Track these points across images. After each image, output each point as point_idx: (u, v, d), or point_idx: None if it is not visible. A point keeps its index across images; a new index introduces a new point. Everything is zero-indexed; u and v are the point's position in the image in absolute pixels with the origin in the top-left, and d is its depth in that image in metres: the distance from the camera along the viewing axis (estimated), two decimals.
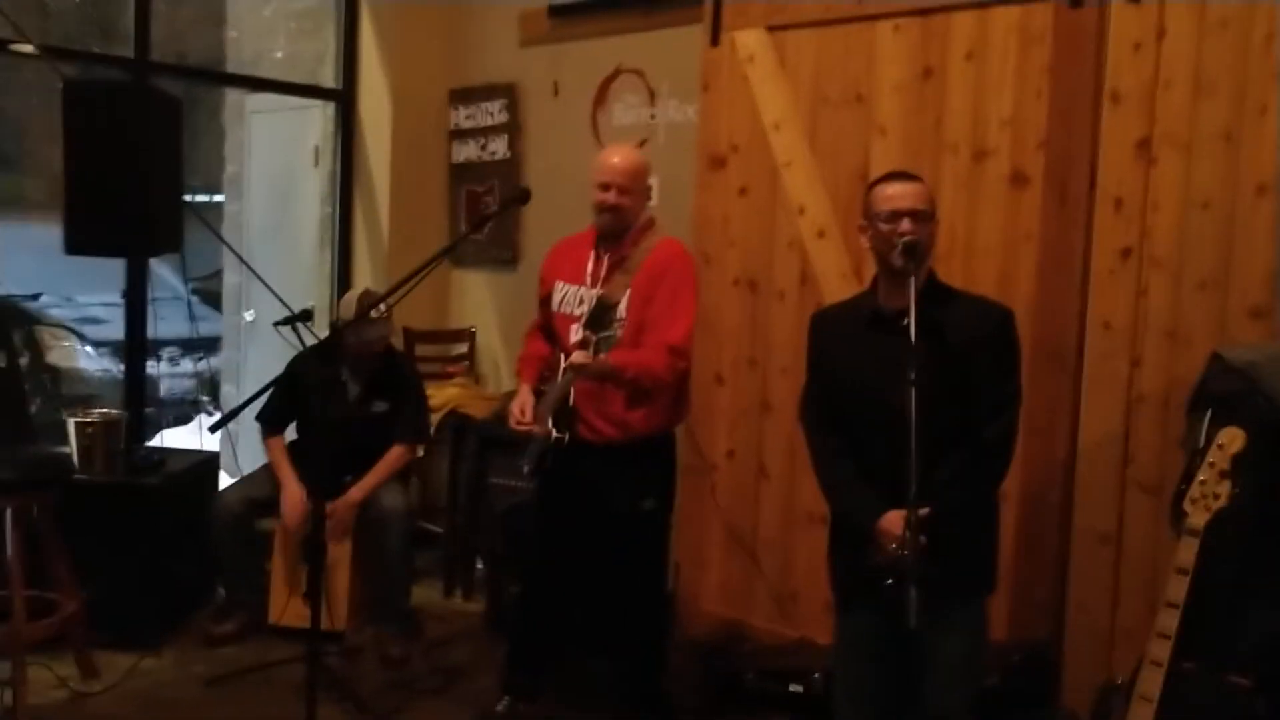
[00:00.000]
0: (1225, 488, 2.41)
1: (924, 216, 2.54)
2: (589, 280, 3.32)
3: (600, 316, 3.24)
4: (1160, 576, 2.86)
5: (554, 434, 3.22)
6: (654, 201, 4.57)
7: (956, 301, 2.64)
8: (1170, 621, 2.42)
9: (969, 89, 3.49)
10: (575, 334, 3.29)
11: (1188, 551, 2.42)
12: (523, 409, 3.33)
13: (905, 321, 2.43)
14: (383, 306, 3.89)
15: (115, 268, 4.57)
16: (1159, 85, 3.14)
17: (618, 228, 3.29)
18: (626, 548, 3.34)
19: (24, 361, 7.34)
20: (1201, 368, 2.90)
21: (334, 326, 3.10)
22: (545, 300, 3.46)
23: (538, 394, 3.35)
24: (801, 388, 2.89)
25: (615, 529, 3.32)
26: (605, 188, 3.25)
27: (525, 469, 3.36)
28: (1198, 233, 3.08)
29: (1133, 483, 3.20)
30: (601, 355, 3.00)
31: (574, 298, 3.34)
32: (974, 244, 3.49)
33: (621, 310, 3.24)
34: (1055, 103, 3.32)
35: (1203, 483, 2.43)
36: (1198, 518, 2.43)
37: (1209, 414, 2.75)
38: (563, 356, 3.28)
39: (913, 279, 2.45)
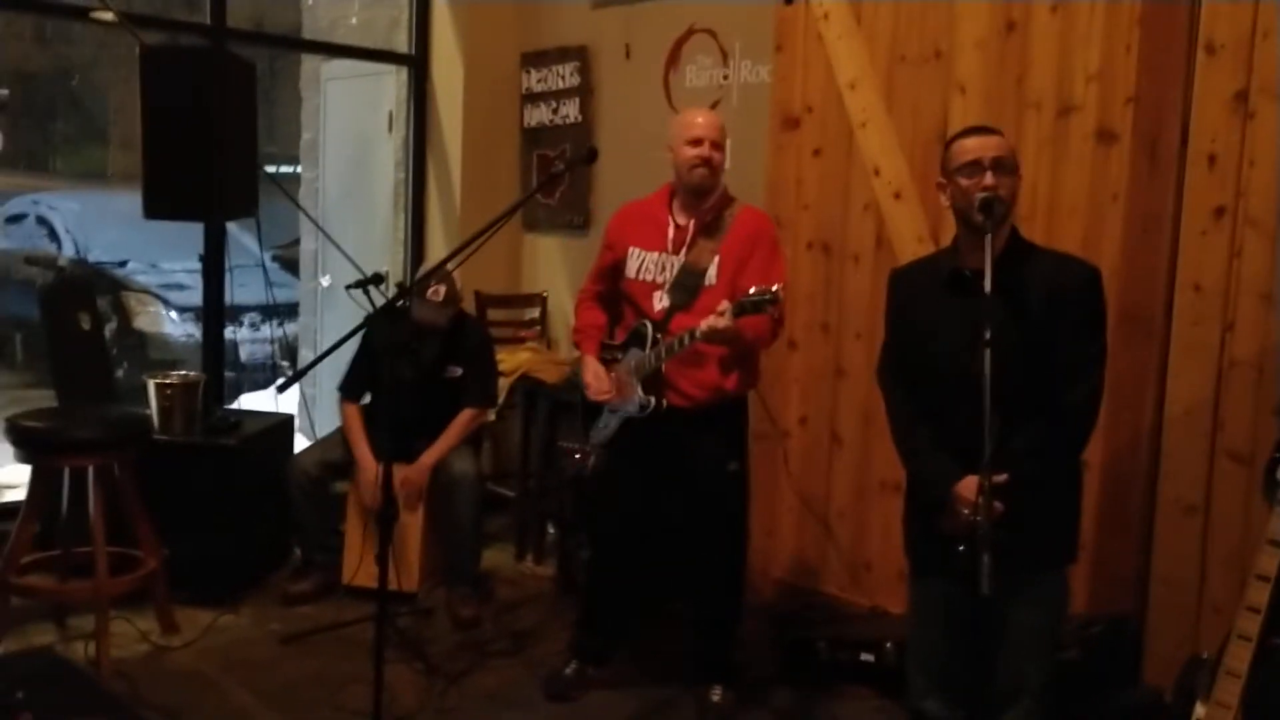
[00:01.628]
0: None
1: (1005, 168, 2.45)
2: (670, 246, 3.26)
3: (686, 283, 3.20)
4: (1249, 549, 2.76)
5: (649, 401, 3.19)
6: (727, 164, 4.50)
7: (1041, 259, 2.55)
8: (1261, 595, 2.32)
9: (1054, 43, 3.36)
10: (660, 300, 3.23)
11: None
12: (599, 377, 3.30)
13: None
14: (440, 289, 3.88)
15: (198, 235, 4.63)
16: (1257, 35, 2.99)
17: (710, 185, 3.22)
18: (713, 511, 3.30)
19: (112, 327, 7.52)
20: None
21: (401, 287, 3.10)
22: (612, 267, 3.39)
23: (605, 363, 3.33)
24: (880, 348, 2.82)
25: (701, 492, 3.28)
26: (698, 142, 3.18)
27: (599, 439, 3.34)
28: None
29: (1222, 451, 3.08)
30: (726, 319, 2.95)
31: (654, 264, 3.27)
32: (1058, 204, 3.37)
33: (710, 278, 3.19)
34: (1146, 55, 3.18)
35: None
36: None
37: None
38: (649, 324, 3.22)
39: (989, 237, 2.36)
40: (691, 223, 3.25)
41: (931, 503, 2.52)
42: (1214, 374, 3.10)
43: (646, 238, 3.30)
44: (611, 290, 3.43)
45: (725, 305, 2.98)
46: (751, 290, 2.95)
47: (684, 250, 3.24)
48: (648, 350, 3.20)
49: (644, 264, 3.29)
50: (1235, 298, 3.05)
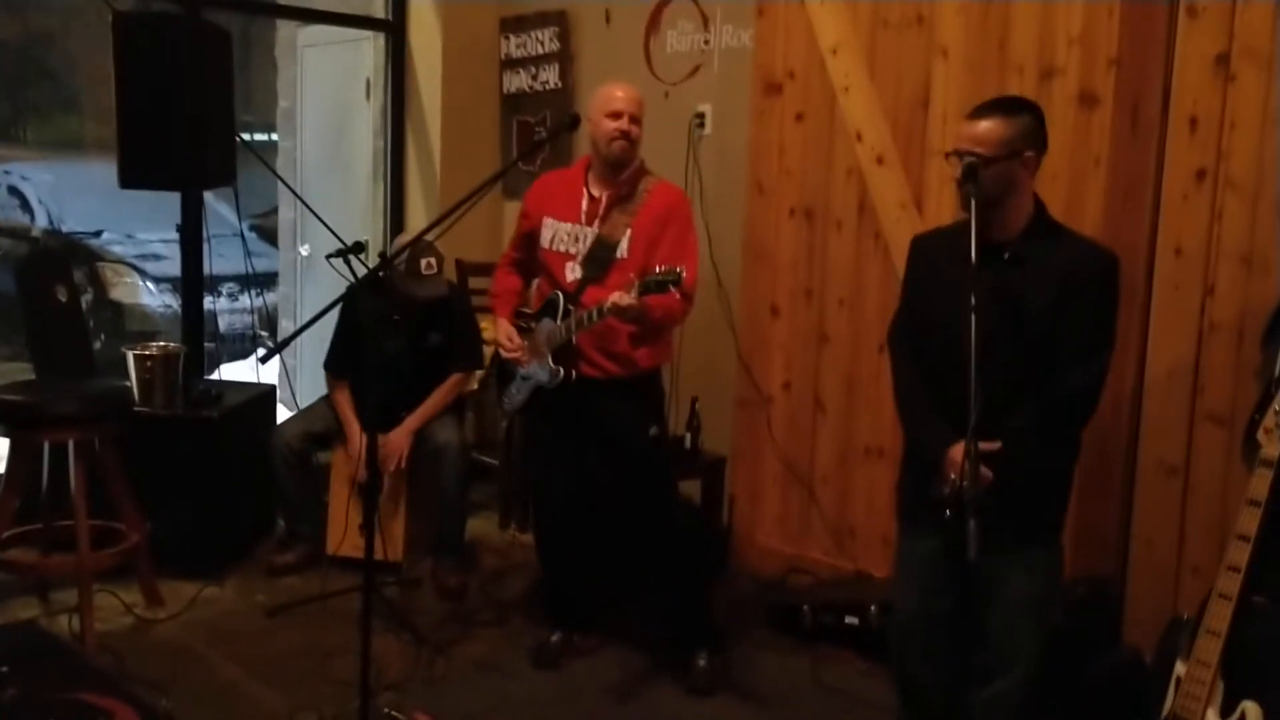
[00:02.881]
0: None
1: (973, 155, 2.44)
2: (584, 218, 3.29)
3: (599, 255, 3.24)
4: (1229, 510, 2.79)
5: (559, 371, 3.24)
6: (708, 130, 4.50)
7: (1062, 239, 2.54)
8: (1241, 555, 2.35)
9: (1036, 6, 3.35)
10: (572, 271, 3.27)
11: (1261, 483, 2.35)
12: (511, 337, 3.36)
13: (1006, 255, 2.40)
14: (434, 262, 3.88)
15: (174, 205, 4.58)
16: None
17: (627, 159, 3.25)
18: (639, 477, 3.36)
19: (87, 298, 7.45)
20: (1277, 294, 2.79)
21: (383, 256, 3.08)
22: (528, 235, 3.43)
23: (519, 330, 3.38)
24: (894, 311, 2.81)
25: (624, 460, 3.33)
26: (618, 115, 3.21)
27: (511, 406, 3.43)
28: (1276, 153, 2.94)
29: (1203, 414, 3.10)
30: (631, 296, 2.98)
31: (568, 235, 3.30)
32: (1041, 169, 3.35)
33: (622, 251, 3.23)
34: (1128, 18, 3.18)
35: (1278, 411, 2.34)
36: (1272, 448, 2.35)
37: None
38: (561, 295, 3.26)
39: (975, 205, 2.37)
40: (606, 195, 3.27)
41: (927, 466, 2.53)
42: (1195, 337, 3.11)
43: (562, 208, 3.33)
44: (529, 258, 3.47)
45: (632, 282, 3.02)
46: (657, 269, 3.01)
47: (597, 222, 3.27)
48: (559, 321, 3.24)
49: (558, 234, 3.33)
50: (1216, 261, 3.07)
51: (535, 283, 3.52)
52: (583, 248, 3.27)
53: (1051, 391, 2.43)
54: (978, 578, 2.42)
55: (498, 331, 3.42)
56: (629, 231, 3.23)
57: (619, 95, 3.24)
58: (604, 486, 3.42)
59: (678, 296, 3.13)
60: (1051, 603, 2.64)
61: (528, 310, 3.46)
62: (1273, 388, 2.43)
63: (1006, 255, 2.43)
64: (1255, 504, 2.35)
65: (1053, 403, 2.44)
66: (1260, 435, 2.37)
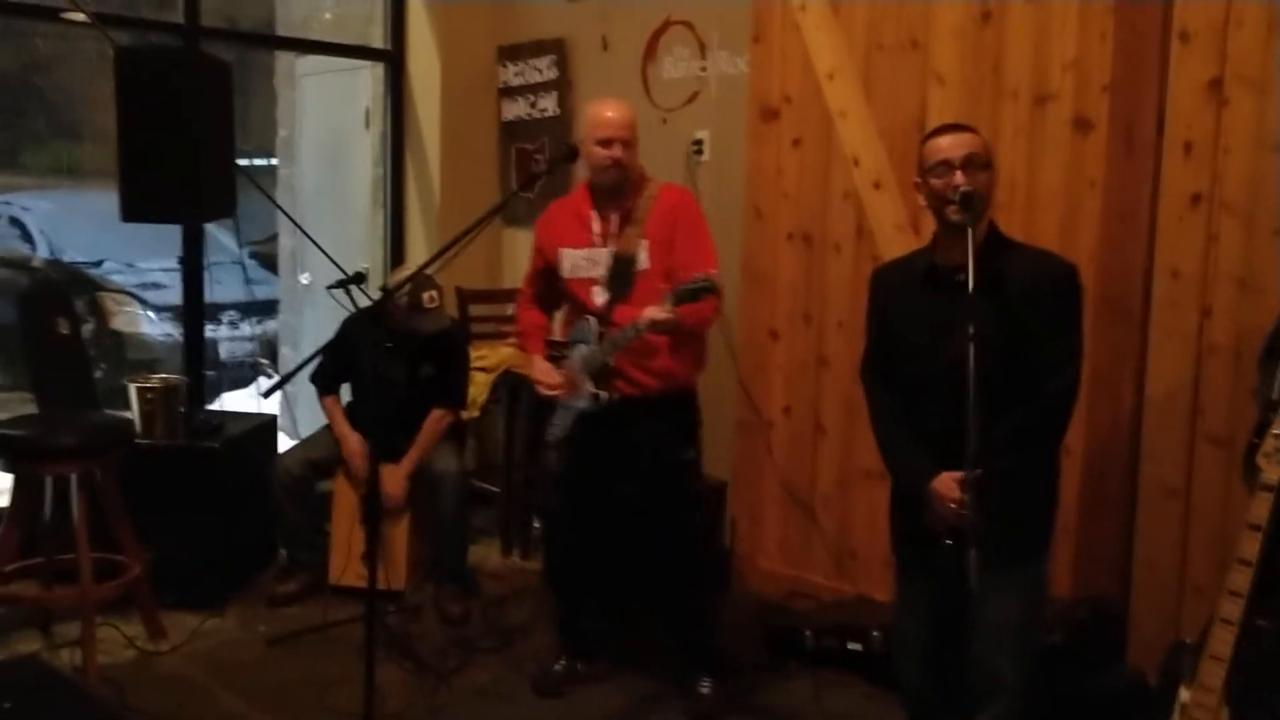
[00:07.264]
0: None
1: (977, 164, 2.46)
2: (598, 240, 3.29)
3: (621, 273, 3.23)
4: (1230, 532, 2.79)
5: (602, 395, 3.21)
6: (706, 156, 4.52)
7: (1018, 254, 2.56)
8: (1242, 579, 2.35)
9: (1030, 31, 3.38)
10: (598, 295, 3.27)
11: (1262, 507, 2.35)
12: (547, 374, 3.33)
13: (962, 277, 2.36)
14: (436, 295, 3.90)
15: (174, 233, 4.60)
16: (1230, 24, 3.01)
17: (622, 182, 3.25)
18: (668, 498, 3.33)
19: (89, 328, 7.45)
20: (1275, 316, 2.80)
21: (384, 290, 3.10)
22: (544, 271, 3.42)
23: (553, 360, 3.36)
24: (863, 347, 2.83)
25: (655, 481, 3.31)
26: (608, 143, 3.20)
27: (555, 436, 3.36)
28: (1271, 176, 2.96)
29: (1203, 435, 3.11)
30: (666, 309, 2.99)
31: (586, 260, 3.30)
32: (1035, 193, 3.39)
33: (642, 262, 3.22)
34: (1121, 43, 3.20)
35: (1277, 435, 2.34)
36: (1272, 473, 2.35)
37: None
38: (592, 319, 3.25)
39: (971, 231, 2.37)
40: (614, 214, 3.28)
41: (913, 500, 2.54)
42: (1193, 358, 3.12)
43: (573, 235, 3.34)
44: (548, 291, 3.47)
45: (665, 293, 3.01)
46: (693, 277, 2.98)
47: (612, 240, 3.27)
48: (593, 345, 3.24)
49: (575, 262, 3.33)
50: (1212, 283, 3.08)
51: (558, 314, 3.53)
52: (603, 269, 3.26)
53: (1028, 405, 2.44)
54: (970, 603, 2.42)
55: (534, 372, 3.39)
56: (644, 242, 3.23)
57: (608, 118, 3.22)
58: (629, 506, 3.38)
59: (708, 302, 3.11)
60: (1033, 627, 2.61)
61: (558, 339, 3.44)
62: (1270, 411, 2.43)
63: (962, 277, 2.38)
64: (1256, 528, 2.35)
65: (1030, 414, 2.45)
66: (1260, 459, 2.37)
